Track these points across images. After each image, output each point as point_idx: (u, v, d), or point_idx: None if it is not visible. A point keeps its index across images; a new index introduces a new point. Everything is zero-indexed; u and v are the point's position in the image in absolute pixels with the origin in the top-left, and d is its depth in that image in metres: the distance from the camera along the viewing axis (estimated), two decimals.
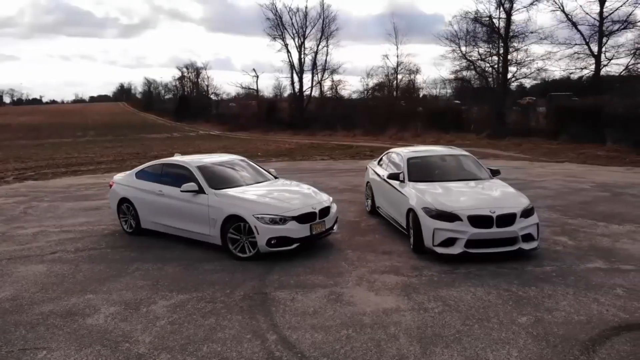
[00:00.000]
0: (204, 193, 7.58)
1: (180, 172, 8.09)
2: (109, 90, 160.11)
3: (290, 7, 49.66)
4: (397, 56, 44.04)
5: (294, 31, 47.57)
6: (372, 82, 45.97)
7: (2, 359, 4.54)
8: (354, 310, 5.42)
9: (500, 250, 6.88)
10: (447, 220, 6.86)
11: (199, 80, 73.08)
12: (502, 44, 31.36)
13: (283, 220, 7.01)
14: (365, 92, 46.55)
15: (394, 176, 8.40)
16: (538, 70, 30.79)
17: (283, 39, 47.90)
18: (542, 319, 5.10)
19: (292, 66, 48.42)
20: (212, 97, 72.28)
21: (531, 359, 4.34)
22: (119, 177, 9.27)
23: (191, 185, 7.65)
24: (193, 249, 7.70)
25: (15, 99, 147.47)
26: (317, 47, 47.64)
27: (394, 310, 5.40)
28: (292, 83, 49.42)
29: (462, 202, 7.11)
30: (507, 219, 6.82)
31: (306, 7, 51.61)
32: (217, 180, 7.88)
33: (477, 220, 6.77)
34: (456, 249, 6.83)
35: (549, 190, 12.32)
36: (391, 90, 43.63)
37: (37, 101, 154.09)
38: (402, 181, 8.18)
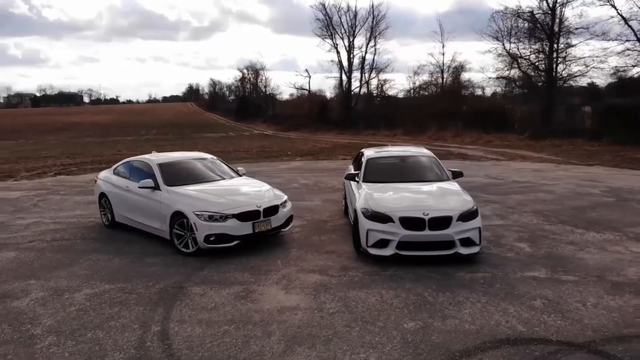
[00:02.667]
0: (159, 190, 7.94)
1: (144, 169, 8.52)
2: (180, 90, 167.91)
3: (340, 7, 49.43)
4: (443, 54, 43.00)
5: (343, 31, 47.65)
6: (418, 81, 45.18)
7: None
8: (252, 308, 5.53)
9: (434, 253, 6.71)
10: (380, 222, 6.78)
11: (257, 81, 74.87)
12: (547, 41, 29.70)
13: (223, 217, 7.22)
14: (412, 90, 45.81)
15: (351, 176, 8.38)
16: (586, 67, 28.84)
17: (332, 39, 48.11)
18: (429, 326, 4.97)
19: (340, 66, 48.54)
20: (269, 97, 73.80)
21: None
22: (103, 173, 9.89)
23: (148, 182, 8.05)
24: (151, 244, 8.08)
25: (93, 98, 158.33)
26: (367, 46, 47.46)
27: (290, 309, 5.46)
28: (341, 83, 49.53)
29: (397, 204, 7.00)
30: (441, 222, 6.64)
31: (356, 7, 51.42)
32: (175, 177, 8.22)
33: (409, 222, 6.65)
34: (388, 251, 6.74)
35: (551, 194, 11.68)
36: (436, 89, 42.61)
37: (114, 101, 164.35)
38: (358, 182, 8.15)
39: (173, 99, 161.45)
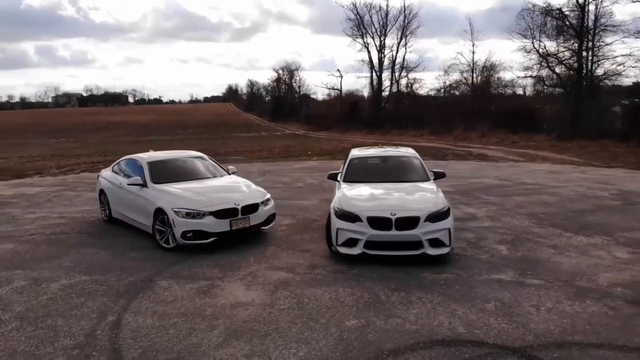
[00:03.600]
0: (146, 187, 8.26)
1: (136, 167, 8.87)
2: (221, 91, 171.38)
3: (371, 6, 49.17)
4: (473, 53, 42.06)
5: (374, 30, 47.45)
6: (448, 80, 44.41)
7: None
8: (208, 302, 5.72)
9: (401, 253, 6.72)
10: (349, 221, 6.84)
11: (292, 81, 75.51)
12: (577, 39, 28.61)
13: (200, 214, 7.45)
14: (442, 90, 45.08)
15: (332, 176, 8.46)
16: (618, 66, 27.61)
17: (363, 38, 47.99)
18: (370, 324, 5.02)
19: (371, 65, 48.38)
20: (303, 98, 74.36)
21: (312, 359, 4.37)
22: (104, 170, 10.33)
23: (136, 179, 8.39)
24: (139, 239, 8.38)
25: (137, 98, 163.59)
26: (397, 45, 47.11)
27: (243, 304, 5.62)
28: (372, 82, 49.36)
29: (367, 204, 7.04)
30: (408, 222, 6.64)
31: (387, 6, 50.84)
32: (163, 175, 8.52)
33: (376, 222, 6.68)
34: (356, 250, 6.80)
35: (555, 197, 11.36)
36: (466, 88, 41.82)
37: (157, 101, 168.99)
38: (338, 181, 8.23)
39: (214, 99, 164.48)
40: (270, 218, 8.30)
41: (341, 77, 56.44)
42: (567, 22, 29.28)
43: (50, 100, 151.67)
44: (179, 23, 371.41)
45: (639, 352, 4.38)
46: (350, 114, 50.66)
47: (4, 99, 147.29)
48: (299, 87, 75.14)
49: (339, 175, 8.35)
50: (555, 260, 6.89)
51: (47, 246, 8.20)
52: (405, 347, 4.54)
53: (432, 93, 47.20)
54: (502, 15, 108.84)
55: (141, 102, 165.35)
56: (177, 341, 4.78)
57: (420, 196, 7.30)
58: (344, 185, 7.88)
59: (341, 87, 57.67)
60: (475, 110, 32.22)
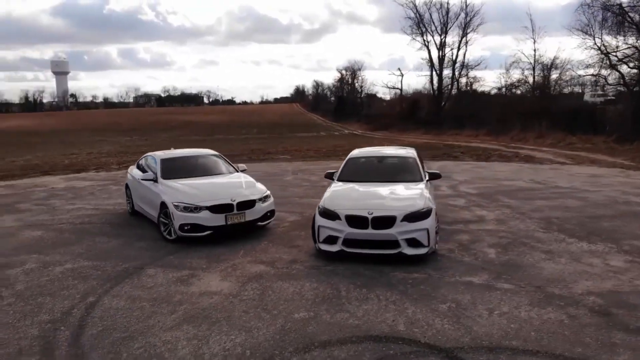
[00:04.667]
0: (157, 182, 8.87)
1: (152, 163, 9.53)
2: (290, 92, 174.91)
3: (431, 3, 48.21)
4: (535, 50, 39.99)
5: (433, 28, 46.54)
6: (509, 79, 42.54)
7: None
8: (180, 290, 6.13)
9: (378, 252, 6.81)
10: (330, 219, 7.03)
11: (355, 81, 75.62)
12: (639, 35, 26.44)
13: (197, 209, 7.93)
14: (505, 88, 43.28)
15: (329, 175, 8.64)
16: None
17: (423, 36, 47.21)
18: (316, 317, 5.21)
19: (431, 64, 47.46)
20: (368, 97, 74.32)
21: (244, 346, 4.64)
22: (131, 167, 11.13)
23: (149, 175, 9.03)
24: (150, 230, 9.00)
25: (212, 99, 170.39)
26: (459, 43, 45.95)
27: (211, 293, 5.98)
28: (432, 81, 48.41)
29: (347, 202, 7.17)
30: (384, 221, 6.72)
31: (448, 3, 49.52)
32: (173, 171, 9.09)
33: (353, 220, 6.81)
34: (335, 247, 6.97)
35: (582, 201, 10.81)
36: (526, 87, 39.90)
37: (230, 102, 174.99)
38: (333, 180, 8.40)
39: (283, 100, 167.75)
40: (269, 214, 8.62)
41: (402, 76, 55.79)
42: (628, 19, 27.26)
43: (131, 100, 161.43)
44: (251, 26, 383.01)
45: (528, 354, 4.30)
46: (410, 114, 50.06)
47: (89, 98, 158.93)
48: (361, 86, 75.13)
49: (335, 174, 8.51)
50: (540, 266, 6.68)
51: (69, 234, 9.02)
52: (336, 340, 4.69)
53: (493, 92, 45.63)
54: (564, 10, 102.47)
55: (215, 102, 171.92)
56: (136, 322, 5.21)
57: (404, 196, 7.32)
58: (334, 184, 8.06)
59: (402, 86, 57.05)
60: (534, 110, 30.77)
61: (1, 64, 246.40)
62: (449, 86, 47.55)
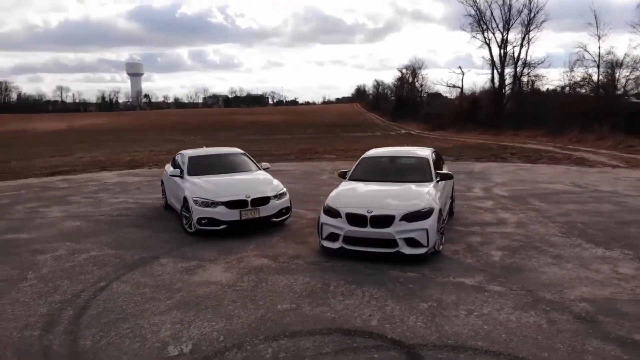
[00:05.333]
0: (183, 178, 9.42)
1: (182, 160, 10.10)
2: (352, 92, 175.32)
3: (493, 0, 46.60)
4: (599, 47, 37.56)
5: (494, 25, 45.02)
6: (572, 77, 40.26)
7: None
8: (183, 279, 6.55)
9: (377, 250, 6.91)
10: (332, 216, 7.21)
11: (415, 80, 74.62)
12: None
13: (213, 204, 8.36)
14: (568, 87, 41.04)
15: (341, 174, 8.79)
16: None
17: (484, 34, 45.82)
18: (296, 309, 5.43)
19: (492, 62, 45.99)
20: (429, 96, 73.14)
21: (221, 332, 4.94)
22: (167, 164, 11.81)
23: (176, 171, 9.60)
24: (178, 223, 9.53)
25: (276, 100, 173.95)
26: (522, 40, 44.18)
27: (210, 283, 6.35)
28: (492, 80, 46.90)
29: (349, 200, 7.31)
30: (383, 220, 6.81)
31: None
32: (199, 168, 9.61)
33: (353, 218, 6.96)
34: (336, 244, 7.15)
35: (616, 206, 10.29)
36: (590, 86, 37.55)
37: (294, 102, 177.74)
38: (345, 179, 8.56)
39: (345, 100, 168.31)
40: (284, 211, 8.92)
41: (462, 74, 54.42)
42: None
43: (200, 100, 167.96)
44: (316, 26, 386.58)
45: (489, 355, 4.28)
46: (469, 113, 48.82)
47: (161, 99, 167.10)
48: (421, 85, 74.01)
49: (347, 173, 8.66)
50: (542, 270, 6.52)
51: (104, 225, 9.76)
52: (306, 332, 4.89)
53: (555, 91, 43.45)
54: (630, 6, 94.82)
55: (279, 103, 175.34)
56: (133, 306, 5.66)
57: (407, 196, 7.34)
58: (343, 183, 8.22)
59: (462, 85, 55.68)
60: (596, 111, 29.09)
61: (81, 66, 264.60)
62: (510, 85, 45.84)
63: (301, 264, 7.02)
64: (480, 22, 45.68)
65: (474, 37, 46.56)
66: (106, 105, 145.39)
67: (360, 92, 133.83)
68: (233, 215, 8.35)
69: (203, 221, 8.39)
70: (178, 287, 6.25)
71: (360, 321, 5.10)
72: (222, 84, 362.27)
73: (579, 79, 39.24)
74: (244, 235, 8.47)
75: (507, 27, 44.60)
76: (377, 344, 4.63)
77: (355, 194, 7.61)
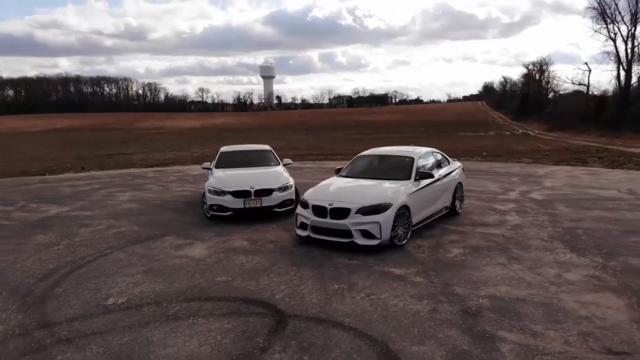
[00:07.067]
0: (210, 170, 10.82)
1: (216, 154, 11.52)
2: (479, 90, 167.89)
3: None
4: None
5: (619, 18, 40.55)
6: None
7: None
8: (168, 253, 7.78)
9: (335, 239, 7.55)
10: (304, 208, 8.01)
11: (541, 77, 69.65)
12: None
13: (223, 193, 9.59)
14: None
15: (336, 171, 9.43)
16: None
17: (608, 27, 41.54)
18: (228, 282, 6.35)
19: (617, 58, 41.51)
20: (557, 94, 68.01)
21: (155, 291, 6.06)
22: None
23: (207, 164, 11.03)
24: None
25: (398, 99, 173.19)
26: None
27: (184, 257, 7.51)
28: (618, 77, 42.29)
29: (320, 194, 8.00)
30: (340, 212, 7.44)
31: None
32: (226, 162, 10.95)
33: (317, 210, 7.69)
34: (305, 233, 7.92)
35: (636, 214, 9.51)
36: None
37: (418, 101, 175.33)
38: (337, 174, 9.20)
39: (473, 97, 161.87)
40: (288, 202, 9.84)
41: (589, 71, 49.79)
42: None
43: (326, 101, 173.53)
44: (445, 23, 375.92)
45: (343, 329, 4.77)
46: (594, 113, 44.68)
47: (289, 100, 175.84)
48: (547, 82, 68.85)
49: (342, 170, 9.28)
50: (482, 269, 6.62)
51: (152, 208, 11.52)
52: (217, 298, 5.81)
53: None
54: None
55: (402, 102, 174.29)
56: (112, 268, 7.03)
57: (372, 192, 7.81)
58: (330, 179, 8.90)
59: (588, 83, 50.92)
60: None
61: (222, 69, 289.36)
62: (636, 83, 41.09)
63: (270, 248, 7.89)
64: (603, 15, 41.54)
65: (597, 31, 42.48)
66: (241, 105, 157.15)
67: (487, 90, 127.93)
68: (238, 203, 9.48)
69: (214, 207, 9.64)
70: (159, 258, 7.52)
71: (268, 294, 5.87)
72: (348, 85, 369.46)
73: None
74: (249, 221, 9.54)
75: (634, 20, 40.00)
76: (262, 311, 5.39)
77: (329, 189, 8.26)
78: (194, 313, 5.39)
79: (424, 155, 9.11)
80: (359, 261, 7.03)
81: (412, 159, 8.75)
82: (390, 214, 7.38)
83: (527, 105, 70.94)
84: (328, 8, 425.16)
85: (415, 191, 8.14)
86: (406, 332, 4.83)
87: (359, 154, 9.65)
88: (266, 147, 12.09)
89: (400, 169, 8.62)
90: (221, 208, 9.60)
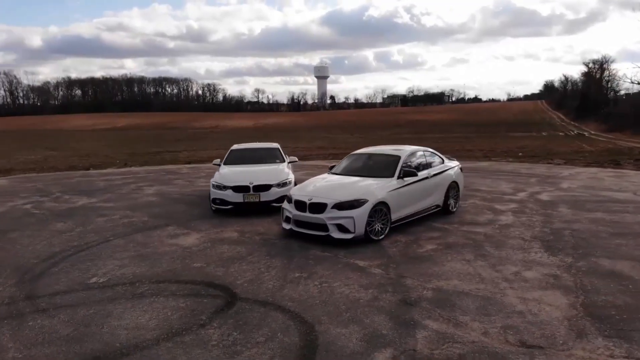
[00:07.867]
0: (219, 166, 11.50)
1: (226, 152, 12.19)
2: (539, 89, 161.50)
3: None
4: None
5: None
6: None
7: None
8: (164, 241, 8.46)
9: (313, 233, 7.97)
10: (288, 202, 8.48)
11: (602, 76, 66.25)
12: None
13: (224, 187, 10.21)
14: None
15: (330, 168, 9.81)
16: None
17: None
18: (200, 268, 6.91)
19: None
20: (612, 93, 64.54)
21: (135, 273, 6.72)
22: None
23: (216, 161, 11.72)
24: None
25: (455, 98, 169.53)
26: None
27: (173, 245, 8.15)
28: None
29: (303, 190, 8.43)
30: (318, 207, 7.86)
31: None
32: (234, 159, 11.59)
33: (298, 205, 8.14)
34: (288, 226, 8.39)
35: None
36: None
37: (476, 100, 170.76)
38: (330, 172, 9.59)
39: (534, 96, 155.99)
40: (284, 198, 10.30)
41: None
42: None
43: (379, 100, 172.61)
44: (506, 20, 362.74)
45: (282, 312, 5.16)
46: None
47: (342, 99, 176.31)
48: (607, 82, 65.42)
49: (335, 167, 9.67)
50: (443, 264, 6.82)
51: (169, 201, 12.35)
52: (185, 281, 6.37)
53: None
54: None
55: (460, 101, 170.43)
56: (109, 253, 7.77)
57: (351, 188, 8.15)
58: (321, 175, 9.30)
59: None
60: None
61: (279, 70, 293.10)
62: None
63: (256, 239, 8.40)
64: None
65: None
66: (294, 105, 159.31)
67: (548, 88, 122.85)
68: (238, 198, 10.07)
69: (217, 201, 10.29)
70: (152, 245, 8.21)
71: (231, 280, 6.38)
72: (403, 84, 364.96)
73: None
74: (247, 215, 10.11)
75: None
76: (218, 294, 5.90)
77: (314, 185, 8.67)
78: (158, 293, 5.98)
79: (412, 154, 9.32)
80: (330, 253, 7.40)
81: (398, 158, 8.99)
82: (364, 210, 7.69)
83: (587, 105, 67.91)
84: (384, 7, 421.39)
85: (396, 188, 8.39)
86: (338, 316, 5.18)
87: (351, 153, 9.98)
88: (274, 144, 12.63)
89: (386, 167, 8.89)
90: (223, 202, 10.22)
